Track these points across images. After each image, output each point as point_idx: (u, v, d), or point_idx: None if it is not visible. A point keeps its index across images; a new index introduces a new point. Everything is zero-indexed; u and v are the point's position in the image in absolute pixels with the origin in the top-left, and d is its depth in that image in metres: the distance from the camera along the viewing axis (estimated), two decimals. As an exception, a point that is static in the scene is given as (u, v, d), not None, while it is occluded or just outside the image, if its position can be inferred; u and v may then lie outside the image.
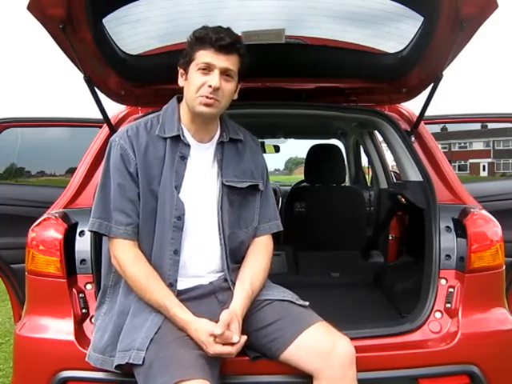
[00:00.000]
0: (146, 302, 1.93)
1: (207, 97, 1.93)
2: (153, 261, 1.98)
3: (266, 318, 2.01)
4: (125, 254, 1.95)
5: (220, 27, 1.95)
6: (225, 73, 1.95)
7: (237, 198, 2.10)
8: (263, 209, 2.17)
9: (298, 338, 1.93)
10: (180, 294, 1.98)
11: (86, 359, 2.00)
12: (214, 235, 2.06)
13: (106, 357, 1.94)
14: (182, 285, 2.01)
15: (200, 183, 2.06)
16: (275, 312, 2.02)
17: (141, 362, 1.81)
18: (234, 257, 2.11)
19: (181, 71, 2.03)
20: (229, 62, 1.94)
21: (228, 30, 1.95)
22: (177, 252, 1.98)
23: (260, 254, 2.12)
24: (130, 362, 1.83)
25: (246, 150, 2.17)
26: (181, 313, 1.88)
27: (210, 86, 1.91)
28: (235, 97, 2.07)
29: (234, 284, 2.04)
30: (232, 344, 1.83)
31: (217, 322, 1.88)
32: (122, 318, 1.96)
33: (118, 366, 1.89)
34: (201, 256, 2.05)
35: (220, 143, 2.10)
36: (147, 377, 1.80)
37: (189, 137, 2.04)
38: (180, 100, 2.10)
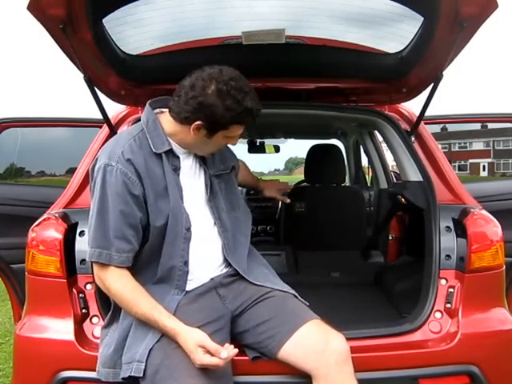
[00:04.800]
0: (133, 316, 1.91)
1: None
2: (159, 274, 1.98)
3: (262, 314, 2.03)
4: (109, 272, 1.92)
5: (256, 98, 1.91)
6: None
7: (223, 185, 2.17)
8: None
9: (293, 337, 1.94)
10: (184, 294, 2.01)
11: (96, 376, 1.97)
12: (213, 229, 2.11)
13: (117, 370, 1.92)
14: (186, 287, 2.03)
15: (193, 188, 2.08)
16: (270, 309, 2.03)
17: (141, 375, 1.81)
18: (238, 240, 2.17)
19: (199, 123, 1.89)
20: None
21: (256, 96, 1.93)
22: (186, 263, 2.00)
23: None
24: (132, 374, 1.83)
25: None
26: (169, 322, 1.84)
27: (228, 147, 2.16)
28: None
29: (237, 272, 2.12)
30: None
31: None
32: (126, 332, 1.95)
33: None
34: (204, 257, 2.08)
35: None
36: (153, 382, 1.81)
37: (176, 147, 2.03)
38: (153, 107, 2.07)
